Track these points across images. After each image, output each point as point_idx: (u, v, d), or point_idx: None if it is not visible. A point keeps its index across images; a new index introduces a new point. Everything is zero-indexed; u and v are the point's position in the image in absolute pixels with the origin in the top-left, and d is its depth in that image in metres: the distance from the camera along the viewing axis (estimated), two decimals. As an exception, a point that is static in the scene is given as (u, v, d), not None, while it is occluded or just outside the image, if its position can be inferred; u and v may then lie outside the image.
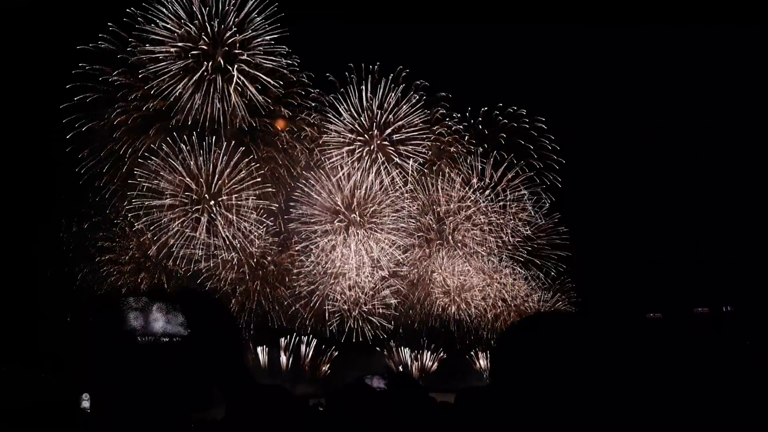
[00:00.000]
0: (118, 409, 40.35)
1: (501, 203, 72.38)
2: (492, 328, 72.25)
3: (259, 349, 71.22)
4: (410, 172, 70.49)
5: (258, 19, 67.20)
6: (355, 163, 69.86)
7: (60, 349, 49.84)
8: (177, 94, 66.66)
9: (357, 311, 69.37)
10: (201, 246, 66.52)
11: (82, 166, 67.02)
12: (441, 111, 72.23)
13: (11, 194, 66.75)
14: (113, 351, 41.27)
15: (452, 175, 72.19)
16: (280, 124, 70.77)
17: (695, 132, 78.61)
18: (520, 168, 72.53)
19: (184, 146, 66.40)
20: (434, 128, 72.07)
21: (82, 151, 66.90)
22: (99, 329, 42.77)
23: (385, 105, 70.07)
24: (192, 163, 66.55)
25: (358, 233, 69.15)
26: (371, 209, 69.59)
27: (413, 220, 71.17)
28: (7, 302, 60.82)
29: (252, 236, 67.70)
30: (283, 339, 71.55)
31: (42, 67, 66.58)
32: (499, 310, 72.49)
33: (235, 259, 67.58)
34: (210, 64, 67.00)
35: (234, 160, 67.16)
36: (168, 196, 66.23)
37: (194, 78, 66.85)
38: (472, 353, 74.50)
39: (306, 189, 69.62)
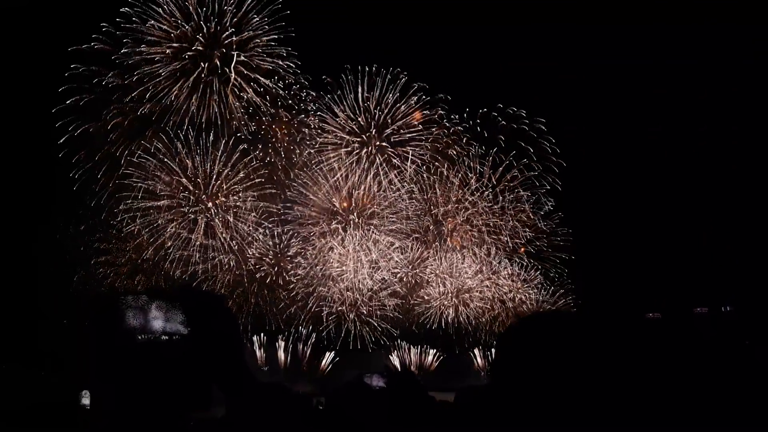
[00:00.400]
0: (118, 408, 40.28)
1: (500, 205, 72.27)
2: (490, 329, 72.07)
3: (256, 347, 70.93)
4: (408, 173, 70.32)
5: (256, 19, 66.59)
6: (353, 164, 69.66)
7: (60, 349, 49.86)
8: (173, 96, 65.90)
9: (354, 313, 69.06)
10: (198, 248, 66.06)
11: (78, 168, 66.27)
12: (440, 112, 71.95)
13: (11, 195, 66.62)
14: (113, 350, 41.15)
15: (451, 176, 72.01)
16: (278, 127, 70.43)
17: (697, 130, 78.71)
18: (519, 170, 72.36)
19: (181, 146, 65.83)
20: (433, 129, 71.80)
21: (77, 153, 66.08)
22: (98, 329, 42.67)
23: (382, 106, 69.86)
24: (189, 164, 66.10)
25: (355, 234, 68.96)
26: (369, 210, 69.43)
27: (412, 221, 71.00)
28: (7, 302, 60.80)
29: (249, 238, 67.43)
30: (281, 336, 71.16)
31: (38, 68, 66.29)
32: (497, 312, 72.35)
33: (233, 261, 67.29)
34: (206, 65, 66.21)
35: (231, 161, 66.88)
36: (165, 197, 65.86)
37: (190, 80, 66.03)
38: (471, 353, 74.31)
39: (303, 190, 69.44)
